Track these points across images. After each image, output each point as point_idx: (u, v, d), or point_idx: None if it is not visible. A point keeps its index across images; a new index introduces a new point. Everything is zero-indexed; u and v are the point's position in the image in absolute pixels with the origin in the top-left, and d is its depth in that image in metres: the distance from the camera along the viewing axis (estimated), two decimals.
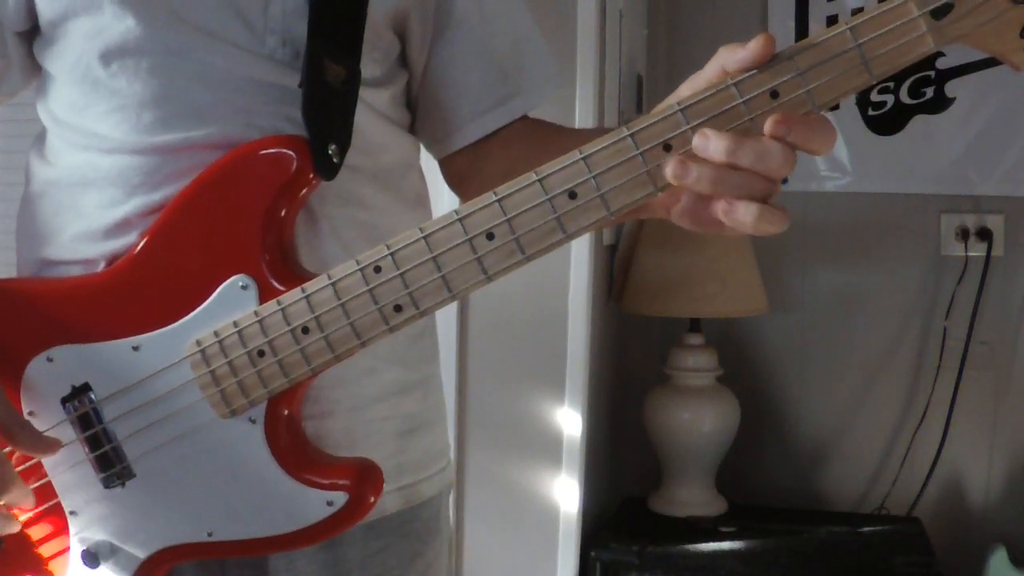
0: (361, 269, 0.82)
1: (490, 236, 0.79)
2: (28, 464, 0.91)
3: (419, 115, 1.02)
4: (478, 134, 1.00)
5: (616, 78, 2.16)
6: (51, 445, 0.89)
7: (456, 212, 0.80)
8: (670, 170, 0.72)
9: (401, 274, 0.81)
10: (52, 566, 0.92)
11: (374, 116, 0.96)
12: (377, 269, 0.81)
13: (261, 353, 0.85)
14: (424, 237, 0.80)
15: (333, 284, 0.83)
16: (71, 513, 0.91)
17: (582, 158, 0.76)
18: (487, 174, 1.00)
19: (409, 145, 1.03)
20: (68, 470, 0.90)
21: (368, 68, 0.93)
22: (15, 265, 1.00)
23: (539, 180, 0.78)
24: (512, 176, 0.93)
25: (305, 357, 0.84)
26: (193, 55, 0.88)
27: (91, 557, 0.90)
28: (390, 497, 0.97)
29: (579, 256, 1.98)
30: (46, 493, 0.91)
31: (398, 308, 0.82)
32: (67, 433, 0.90)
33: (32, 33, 0.95)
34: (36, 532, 0.92)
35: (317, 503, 0.86)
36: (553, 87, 1.04)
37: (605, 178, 0.76)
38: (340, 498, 0.86)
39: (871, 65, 0.72)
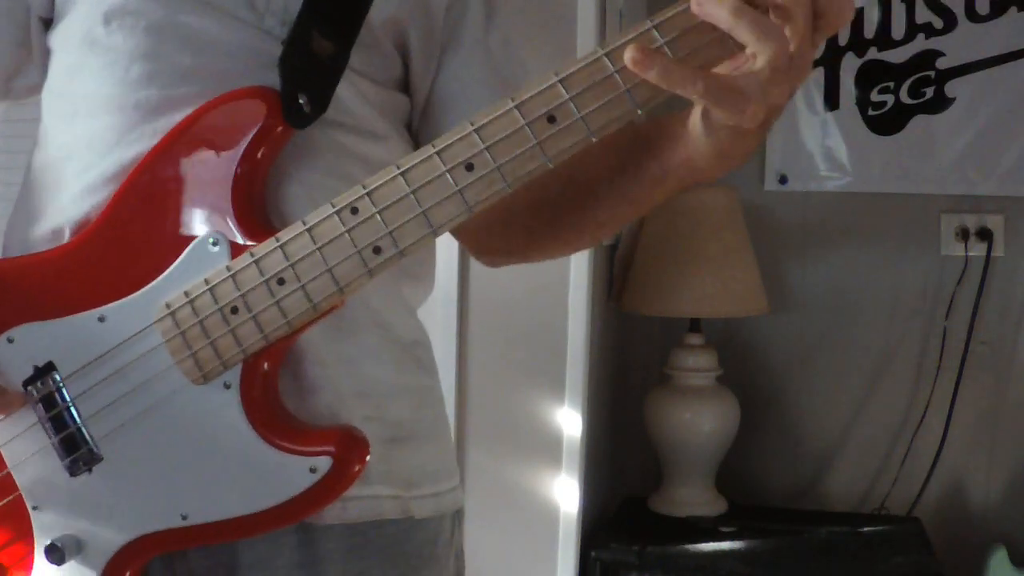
0: (337, 211, 0.79)
1: (469, 167, 0.77)
2: None
3: (419, 145, 1.00)
4: None
5: None
6: (9, 401, 0.86)
7: (433, 145, 0.78)
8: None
9: (379, 212, 0.78)
10: (16, 565, 0.88)
11: (370, 106, 0.94)
12: (354, 210, 0.79)
13: (235, 310, 0.81)
14: (401, 173, 0.78)
15: (309, 230, 0.80)
16: (34, 508, 0.87)
17: (558, 80, 0.75)
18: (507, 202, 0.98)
19: (410, 152, 1.01)
20: (30, 460, 0.86)
21: (365, 64, 0.92)
22: None
23: (516, 106, 0.76)
24: (533, 207, 0.89)
25: (282, 311, 0.80)
26: (190, 19, 0.88)
27: (56, 553, 0.85)
28: (387, 502, 0.93)
29: (579, 256, 1.97)
30: (6, 488, 0.87)
31: (377, 250, 0.79)
32: (27, 418, 0.86)
33: (51, 23, 0.96)
34: None
35: (299, 471, 0.82)
36: None
37: (584, 99, 0.74)
38: (324, 463, 0.81)
39: None
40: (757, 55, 0.70)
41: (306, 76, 0.87)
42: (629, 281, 2.31)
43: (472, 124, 0.76)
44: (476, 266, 2.06)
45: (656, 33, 0.73)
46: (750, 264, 2.25)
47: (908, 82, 2.36)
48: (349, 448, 0.83)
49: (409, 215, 0.78)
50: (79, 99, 0.92)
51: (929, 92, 2.36)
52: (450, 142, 0.77)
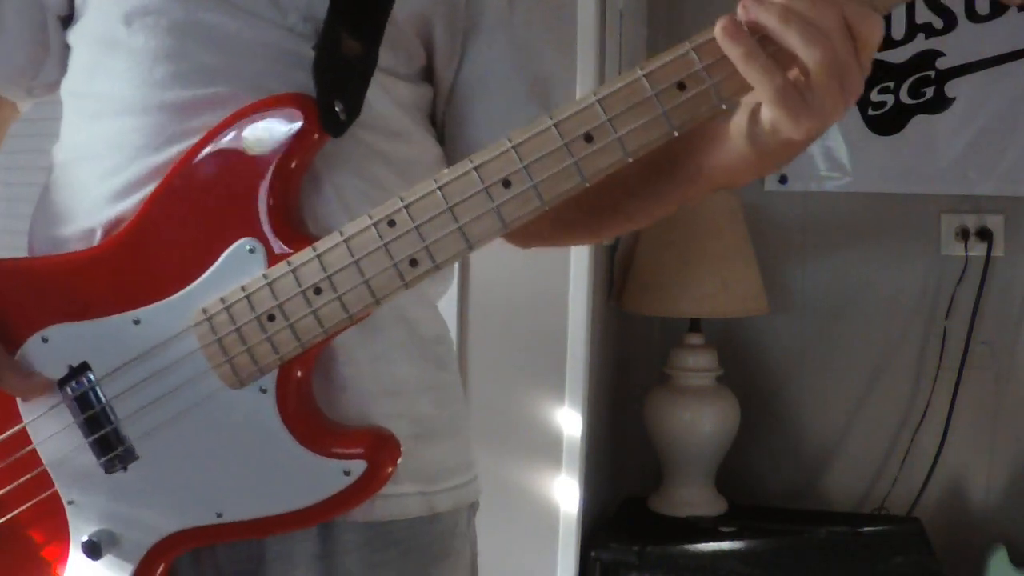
0: (375, 224, 0.80)
1: (507, 184, 0.78)
2: (22, 452, 0.88)
3: (445, 135, 1.01)
4: None
5: None
6: (37, 387, 0.87)
7: (470, 160, 0.78)
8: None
9: (417, 227, 0.79)
10: (52, 558, 0.89)
11: (395, 105, 0.94)
12: (391, 223, 0.79)
13: (271, 318, 0.82)
14: (439, 188, 0.79)
15: (346, 241, 0.80)
16: (69, 503, 0.88)
17: (596, 100, 0.76)
18: None
19: (435, 149, 1.01)
20: (65, 457, 0.88)
21: (389, 60, 0.92)
22: None
23: (554, 125, 0.77)
24: (570, 200, 0.90)
25: (318, 319, 0.81)
26: (212, 17, 0.88)
27: (93, 548, 0.86)
28: (412, 499, 0.94)
29: (579, 256, 1.98)
30: (42, 483, 0.88)
31: (414, 263, 0.80)
32: (63, 416, 0.87)
33: (69, 21, 0.96)
34: (33, 525, 0.90)
35: (333, 473, 0.83)
36: None
37: (621, 120, 0.75)
38: (358, 467, 0.83)
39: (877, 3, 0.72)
40: (808, 62, 0.71)
41: (340, 81, 0.87)
42: (629, 281, 2.31)
43: (510, 141, 0.77)
44: (476, 266, 2.07)
45: (694, 55, 0.74)
46: (750, 264, 2.25)
47: (908, 82, 2.36)
48: (381, 450, 0.85)
49: (446, 230, 0.79)
50: (102, 99, 0.92)
51: (929, 92, 2.36)
52: (488, 158, 0.78)
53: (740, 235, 2.25)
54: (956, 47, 2.33)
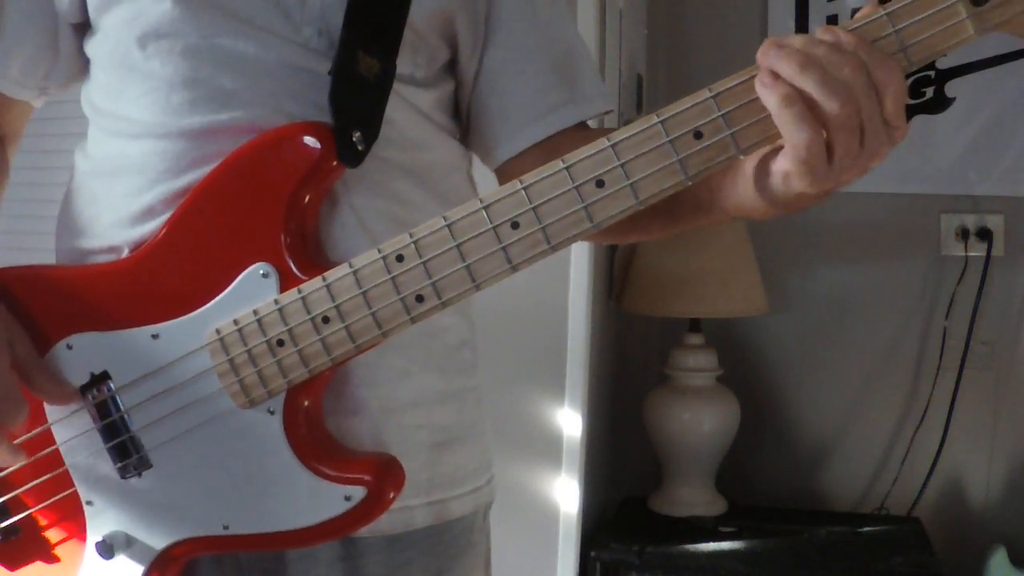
0: (383, 257, 0.81)
1: (515, 225, 0.78)
2: (45, 452, 0.91)
3: (470, 124, 1.00)
4: (530, 140, 0.96)
5: (616, 78, 2.16)
6: (67, 394, 0.89)
7: (480, 200, 0.78)
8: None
9: (424, 263, 0.80)
10: (67, 555, 0.92)
11: (413, 113, 0.94)
12: (400, 258, 0.80)
13: (281, 342, 0.84)
14: (448, 225, 0.79)
15: (354, 272, 0.81)
16: (87, 503, 0.91)
17: (610, 145, 0.75)
18: None
19: (455, 149, 1.00)
20: (85, 459, 0.90)
21: (409, 68, 0.92)
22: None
23: (566, 168, 0.76)
24: None
25: (325, 347, 0.83)
26: (226, 40, 0.88)
27: (106, 548, 0.89)
28: (420, 511, 0.94)
29: (579, 256, 1.98)
30: (63, 482, 0.91)
31: (420, 298, 0.80)
32: (84, 421, 0.89)
33: (85, 27, 0.96)
34: (52, 521, 0.92)
35: (334, 498, 0.85)
36: (605, 103, 1.01)
37: (633, 166, 0.75)
38: (358, 493, 0.85)
39: (909, 52, 0.71)
40: (827, 112, 0.69)
41: (357, 108, 0.87)
42: (629, 281, 2.31)
43: (521, 183, 0.77)
44: None
45: (714, 103, 0.73)
46: (750, 264, 2.25)
47: (908, 82, 2.36)
48: (384, 479, 0.86)
49: (452, 268, 0.79)
50: (123, 120, 0.92)
51: (929, 92, 2.36)
52: (498, 198, 0.78)
53: (740, 235, 2.25)
54: None
